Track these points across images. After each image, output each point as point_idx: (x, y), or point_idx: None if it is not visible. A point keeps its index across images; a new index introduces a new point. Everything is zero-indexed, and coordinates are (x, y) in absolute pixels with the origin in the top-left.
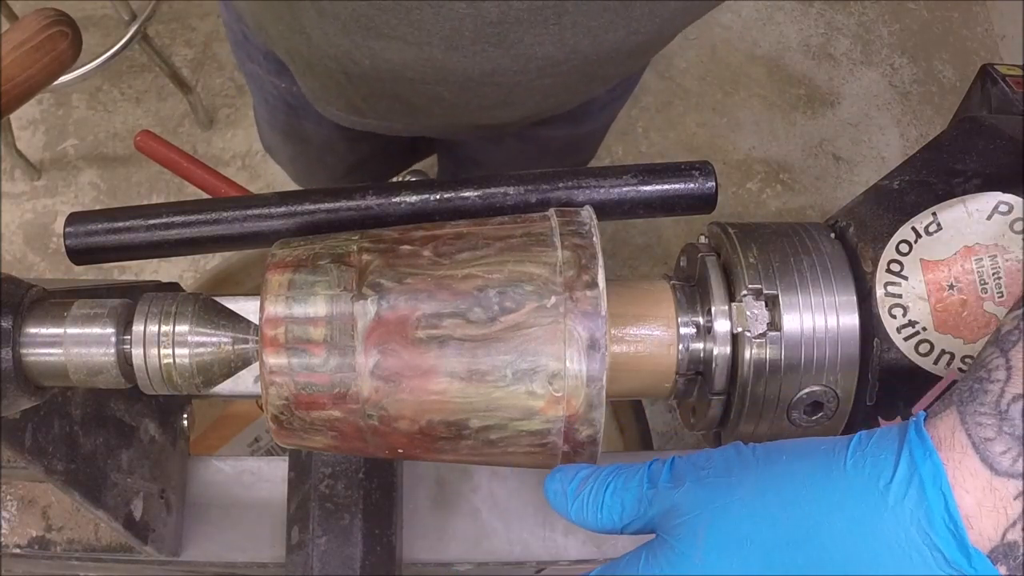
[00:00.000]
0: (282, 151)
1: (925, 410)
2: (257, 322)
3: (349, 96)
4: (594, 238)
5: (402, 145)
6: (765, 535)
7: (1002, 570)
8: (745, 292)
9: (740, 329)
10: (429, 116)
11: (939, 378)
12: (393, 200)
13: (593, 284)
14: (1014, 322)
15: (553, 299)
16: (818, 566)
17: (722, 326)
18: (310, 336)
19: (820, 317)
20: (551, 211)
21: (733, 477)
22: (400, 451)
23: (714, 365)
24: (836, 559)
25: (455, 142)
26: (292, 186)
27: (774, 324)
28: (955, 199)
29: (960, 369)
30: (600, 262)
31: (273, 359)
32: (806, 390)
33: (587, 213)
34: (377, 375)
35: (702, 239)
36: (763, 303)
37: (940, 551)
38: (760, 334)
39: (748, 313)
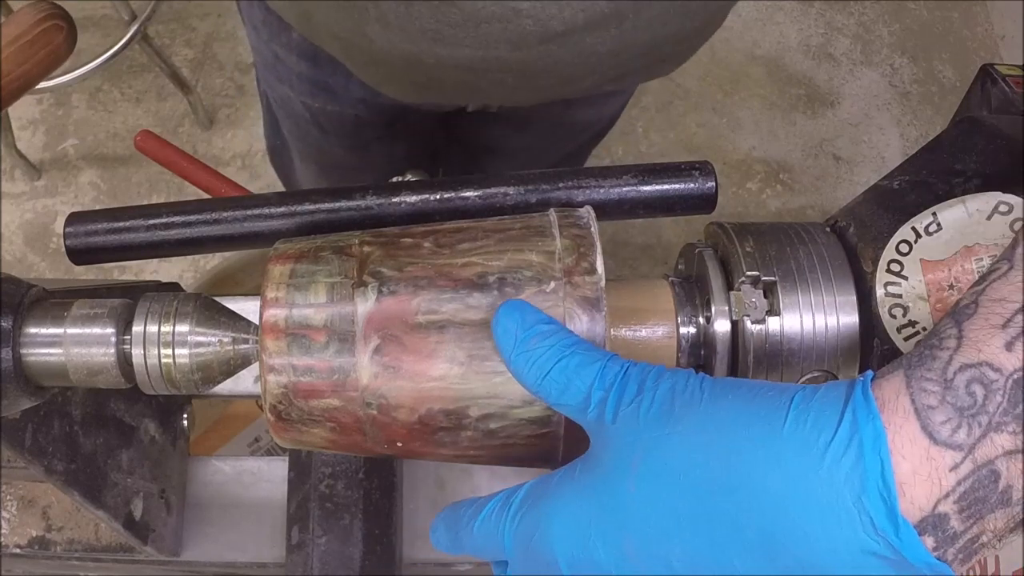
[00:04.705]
0: (315, 183)
1: (874, 370)
2: (257, 322)
3: (414, 78)
4: (592, 229)
5: (433, 147)
6: (699, 474)
7: (928, 541)
8: (743, 279)
9: (738, 317)
10: (488, 96)
11: None
12: (393, 200)
13: (592, 270)
14: (972, 296)
15: (552, 284)
16: (746, 515)
17: (721, 315)
18: (310, 322)
19: (820, 315)
20: (550, 210)
21: (676, 408)
22: (399, 444)
23: (715, 355)
24: (765, 511)
25: (481, 129)
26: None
27: (773, 310)
28: (955, 199)
29: None
30: (599, 249)
31: (273, 345)
32: (808, 376)
33: (586, 210)
34: (377, 361)
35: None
36: (761, 291)
37: (869, 516)
38: (760, 319)
39: (746, 301)
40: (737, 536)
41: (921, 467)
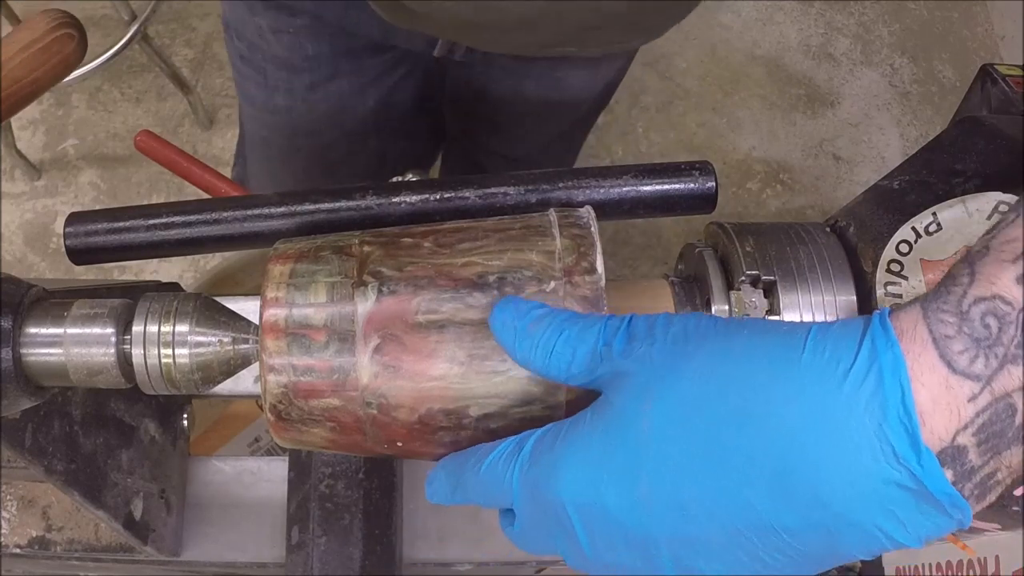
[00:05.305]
0: (285, 166)
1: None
2: (257, 322)
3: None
4: (592, 229)
5: (420, 137)
6: (714, 408)
7: (948, 474)
8: (743, 279)
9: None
10: (464, 34)
11: None
12: (393, 200)
13: (592, 270)
14: (983, 242)
15: (552, 284)
16: (764, 447)
17: (721, 315)
18: (310, 322)
19: (820, 315)
20: (550, 210)
21: (690, 345)
22: (399, 444)
23: None
24: (783, 441)
25: (472, 106)
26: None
27: (773, 310)
28: (955, 199)
29: None
30: (599, 249)
31: (273, 344)
32: None
33: (586, 210)
34: (377, 360)
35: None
36: (761, 291)
37: (891, 444)
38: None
39: (746, 300)
40: (753, 472)
41: (940, 396)
